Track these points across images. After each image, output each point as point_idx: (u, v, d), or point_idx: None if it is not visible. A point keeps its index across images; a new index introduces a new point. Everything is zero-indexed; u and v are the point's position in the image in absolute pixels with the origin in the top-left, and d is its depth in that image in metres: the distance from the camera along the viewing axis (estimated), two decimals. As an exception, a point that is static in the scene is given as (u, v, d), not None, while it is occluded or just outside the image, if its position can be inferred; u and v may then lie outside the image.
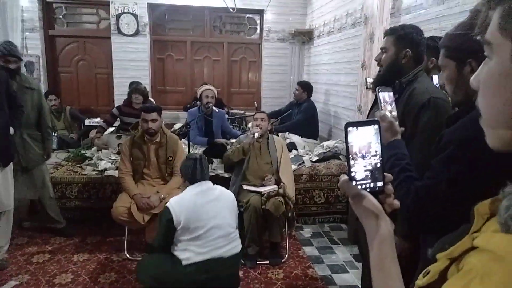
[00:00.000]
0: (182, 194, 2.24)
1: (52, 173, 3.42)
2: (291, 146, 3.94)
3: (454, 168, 0.96)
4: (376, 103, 1.68)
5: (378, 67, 1.85)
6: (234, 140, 3.76)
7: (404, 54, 1.65)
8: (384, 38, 1.76)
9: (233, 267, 2.28)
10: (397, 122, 1.27)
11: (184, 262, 2.09)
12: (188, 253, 2.12)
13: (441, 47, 1.13)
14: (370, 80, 2.62)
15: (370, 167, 0.71)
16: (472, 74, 0.99)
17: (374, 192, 0.71)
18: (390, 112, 1.30)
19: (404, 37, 1.66)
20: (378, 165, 0.71)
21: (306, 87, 4.62)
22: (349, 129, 0.69)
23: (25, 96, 2.88)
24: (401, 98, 1.77)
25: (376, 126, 0.71)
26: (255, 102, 5.82)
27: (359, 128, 0.70)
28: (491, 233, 0.46)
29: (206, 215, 2.13)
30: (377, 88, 1.33)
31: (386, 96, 1.32)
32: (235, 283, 2.39)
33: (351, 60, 4.17)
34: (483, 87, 0.52)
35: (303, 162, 3.69)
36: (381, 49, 1.76)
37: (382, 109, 1.29)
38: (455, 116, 1.08)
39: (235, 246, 2.23)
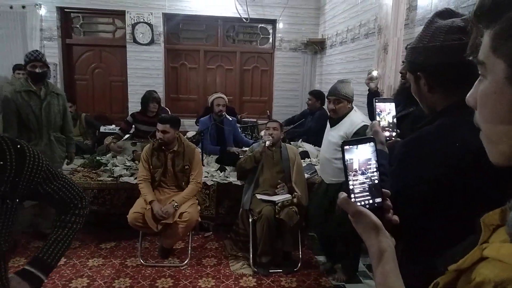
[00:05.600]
0: None
1: (68, 178, 3.48)
2: (304, 155, 3.95)
3: (393, 183, 0.96)
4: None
5: (401, 79, 1.90)
6: (246, 149, 3.79)
7: None
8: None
9: None
10: (388, 133, 1.29)
11: None
12: None
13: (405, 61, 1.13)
14: (375, 73, 2.60)
15: (368, 184, 0.72)
16: (426, 87, 1.01)
17: (373, 208, 0.72)
18: (386, 121, 1.31)
19: None
20: (376, 181, 0.73)
21: (319, 96, 4.64)
22: (346, 147, 0.71)
23: (53, 100, 3.15)
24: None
25: (372, 144, 0.73)
26: (268, 111, 5.86)
27: (354, 146, 0.71)
28: (500, 243, 0.47)
29: None
30: (374, 99, 1.35)
31: (383, 106, 1.34)
32: None
33: (364, 70, 4.18)
34: (481, 105, 0.53)
35: (316, 171, 3.70)
36: (403, 62, 1.83)
37: (376, 119, 1.32)
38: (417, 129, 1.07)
39: None
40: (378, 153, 1.18)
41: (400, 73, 1.97)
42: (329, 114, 2.77)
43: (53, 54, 5.78)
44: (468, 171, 0.85)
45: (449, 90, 0.99)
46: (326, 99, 2.76)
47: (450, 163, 0.89)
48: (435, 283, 0.56)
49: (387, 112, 1.33)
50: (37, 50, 3.10)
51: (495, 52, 0.49)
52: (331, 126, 2.72)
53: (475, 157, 0.81)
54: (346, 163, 0.71)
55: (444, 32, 0.96)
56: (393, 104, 1.34)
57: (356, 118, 2.60)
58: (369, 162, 0.73)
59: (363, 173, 0.72)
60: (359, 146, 0.72)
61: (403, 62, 1.94)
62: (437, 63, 0.97)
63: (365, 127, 2.39)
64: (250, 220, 3.03)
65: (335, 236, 2.83)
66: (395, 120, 1.32)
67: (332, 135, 2.66)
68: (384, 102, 1.34)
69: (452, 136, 0.92)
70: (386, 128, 1.30)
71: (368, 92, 2.55)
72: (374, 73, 2.54)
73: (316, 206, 2.88)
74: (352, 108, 2.68)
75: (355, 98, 4.39)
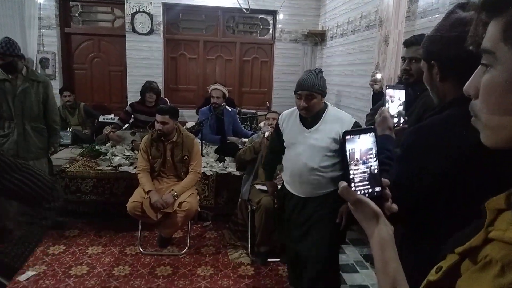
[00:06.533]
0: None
1: (67, 167, 3.49)
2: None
3: (398, 170, 0.98)
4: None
5: (403, 75, 1.92)
6: (246, 140, 3.80)
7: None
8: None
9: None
10: (396, 120, 1.30)
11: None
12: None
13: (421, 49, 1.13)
14: (379, 75, 2.79)
15: (368, 174, 0.74)
16: (438, 76, 1.02)
17: (373, 197, 0.74)
18: (395, 108, 1.32)
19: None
20: (376, 171, 0.74)
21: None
22: (347, 137, 0.72)
23: (30, 88, 2.98)
24: (417, 101, 1.82)
25: (372, 134, 0.75)
26: (267, 102, 5.85)
27: (356, 136, 0.73)
28: (506, 225, 0.49)
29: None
30: (385, 85, 1.36)
31: (392, 93, 1.35)
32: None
33: (364, 62, 4.18)
34: (486, 94, 0.53)
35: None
36: (411, 59, 1.86)
37: (385, 106, 1.33)
38: (427, 117, 1.08)
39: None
40: (385, 139, 1.20)
41: (404, 69, 1.96)
42: (299, 113, 2.22)
43: (51, 43, 5.75)
44: (474, 163, 0.85)
45: (461, 81, 0.99)
46: (295, 94, 2.20)
47: (456, 155, 0.90)
48: (437, 267, 0.58)
49: (396, 99, 1.34)
50: (5, 38, 2.88)
51: (508, 41, 0.49)
52: (308, 127, 2.17)
53: (481, 149, 0.84)
54: (346, 153, 0.73)
55: (464, 23, 0.95)
56: (403, 92, 1.35)
57: (344, 114, 2.23)
58: (369, 152, 0.74)
59: (364, 163, 0.74)
60: (361, 136, 0.73)
61: (402, 58, 1.95)
62: (453, 53, 0.97)
63: (357, 123, 2.19)
64: (248, 210, 3.05)
65: (311, 257, 2.18)
66: (403, 107, 1.33)
67: (316, 138, 2.13)
68: (394, 89, 1.35)
69: (459, 127, 0.91)
70: (395, 115, 1.31)
71: (372, 93, 2.65)
72: (378, 76, 2.68)
73: (292, 231, 2.29)
74: (326, 104, 2.22)
75: (355, 90, 4.42)
